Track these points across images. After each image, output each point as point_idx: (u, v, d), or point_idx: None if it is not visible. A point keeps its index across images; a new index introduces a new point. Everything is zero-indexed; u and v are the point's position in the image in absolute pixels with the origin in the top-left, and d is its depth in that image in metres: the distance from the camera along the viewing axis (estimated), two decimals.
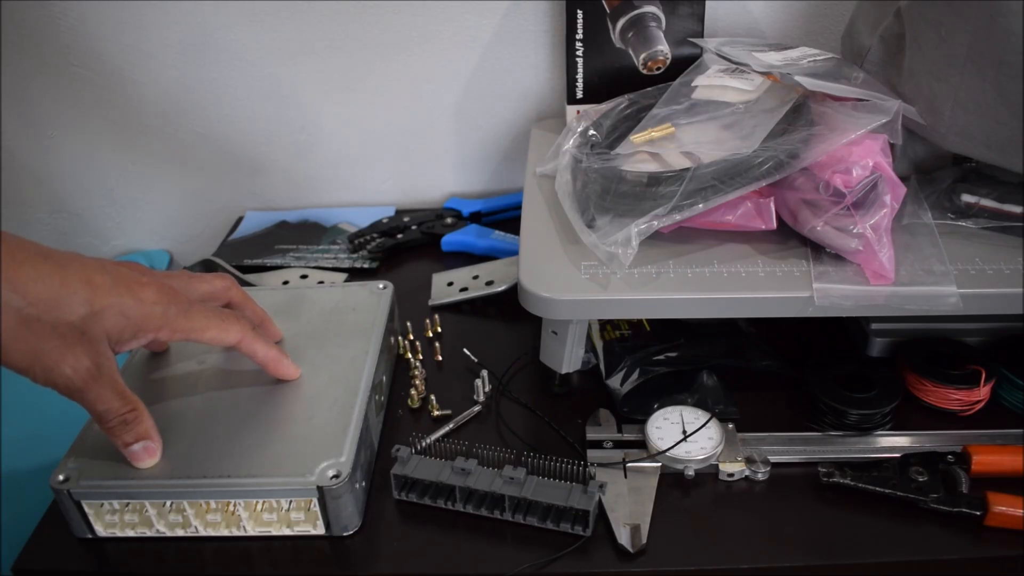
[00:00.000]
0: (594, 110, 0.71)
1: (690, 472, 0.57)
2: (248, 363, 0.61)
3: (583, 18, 0.77)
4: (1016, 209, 0.59)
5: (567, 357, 0.62)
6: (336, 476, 0.51)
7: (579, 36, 0.78)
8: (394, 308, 0.70)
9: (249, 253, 0.89)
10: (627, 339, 0.66)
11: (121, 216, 1.00)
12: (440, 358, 0.71)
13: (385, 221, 0.90)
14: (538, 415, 0.64)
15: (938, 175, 0.63)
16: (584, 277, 0.57)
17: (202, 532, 0.54)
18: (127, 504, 0.53)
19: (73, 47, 0.88)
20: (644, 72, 0.80)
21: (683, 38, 0.78)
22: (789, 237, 0.59)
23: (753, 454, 0.57)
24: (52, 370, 0.47)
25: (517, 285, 0.58)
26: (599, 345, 0.66)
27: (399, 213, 0.93)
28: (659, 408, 0.60)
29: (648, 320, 0.68)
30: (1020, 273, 0.55)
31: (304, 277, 0.84)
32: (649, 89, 0.72)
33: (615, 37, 0.78)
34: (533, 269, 0.58)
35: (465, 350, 0.70)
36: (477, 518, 0.55)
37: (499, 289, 0.78)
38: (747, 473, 0.57)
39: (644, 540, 0.52)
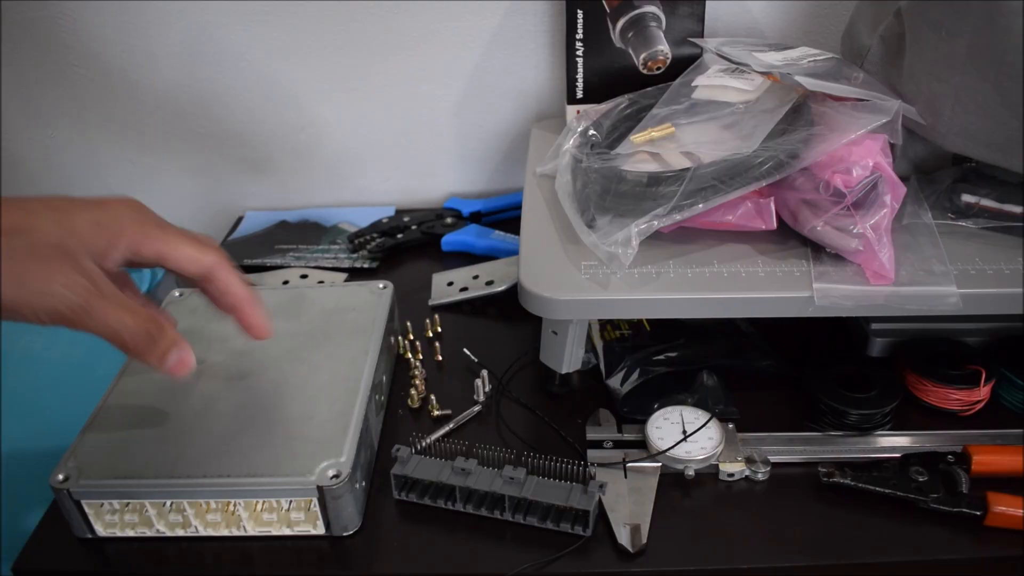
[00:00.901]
0: (594, 110, 0.71)
1: (690, 472, 0.57)
2: (248, 363, 0.61)
3: (583, 18, 0.77)
4: (1016, 209, 0.59)
5: (567, 357, 0.62)
6: (336, 476, 0.51)
7: (579, 36, 0.78)
8: (394, 308, 0.70)
9: (249, 253, 0.89)
10: (627, 339, 0.66)
11: None
12: (440, 358, 0.71)
13: (385, 221, 0.90)
14: (538, 415, 0.64)
15: (938, 175, 0.63)
16: (584, 277, 0.57)
17: (202, 532, 0.54)
18: (127, 504, 0.53)
19: (73, 47, 0.88)
20: (644, 72, 0.80)
21: (683, 38, 0.78)
22: (789, 237, 0.59)
23: (753, 454, 0.57)
24: (44, 292, 0.43)
25: (517, 285, 0.58)
26: (599, 345, 0.66)
27: (399, 213, 0.93)
28: (659, 408, 0.60)
29: (648, 320, 0.68)
30: (1020, 273, 0.55)
31: (304, 277, 0.84)
32: (649, 89, 0.72)
33: (615, 37, 0.78)
34: (533, 269, 0.58)
35: (465, 350, 0.70)
36: (477, 518, 0.55)
37: (499, 289, 0.78)
38: (747, 473, 0.57)
39: (644, 540, 0.52)
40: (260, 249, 0.90)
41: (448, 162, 0.97)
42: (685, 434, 0.58)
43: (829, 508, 0.54)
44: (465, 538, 0.54)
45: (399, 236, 0.88)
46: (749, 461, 0.57)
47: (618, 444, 0.59)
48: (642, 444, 0.58)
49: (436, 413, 0.64)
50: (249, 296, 0.52)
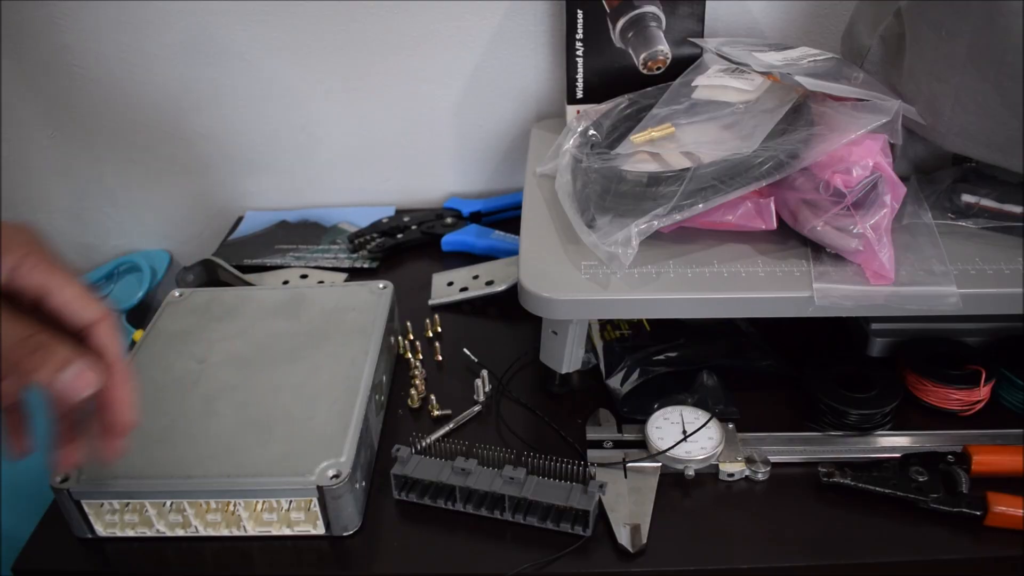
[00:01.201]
0: (594, 110, 0.71)
1: (690, 472, 0.57)
2: (248, 363, 0.61)
3: (583, 18, 0.77)
4: (1016, 209, 0.59)
5: (567, 357, 0.62)
6: (336, 476, 0.51)
7: (579, 36, 0.78)
8: (394, 308, 0.70)
9: (249, 253, 0.89)
10: (627, 339, 0.66)
11: (121, 216, 1.00)
12: (440, 358, 0.71)
13: (385, 221, 0.90)
14: (538, 415, 0.64)
15: (938, 175, 0.63)
16: (584, 277, 0.57)
17: (202, 532, 0.54)
18: (127, 504, 0.53)
19: (73, 47, 0.88)
20: (644, 72, 0.80)
21: (683, 38, 0.78)
22: (789, 237, 0.59)
23: (753, 454, 0.57)
24: None
25: (517, 285, 0.58)
26: (599, 345, 0.66)
27: (399, 213, 0.93)
28: (659, 408, 0.60)
29: (648, 320, 0.68)
30: (1020, 273, 0.55)
31: (304, 277, 0.84)
32: (649, 89, 0.72)
33: (615, 37, 0.78)
34: (533, 269, 0.58)
35: (465, 350, 0.70)
36: (477, 518, 0.55)
37: (499, 289, 0.78)
38: (747, 473, 0.57)
39: (644, 540, 0.52)
40: (260, 249, 0.90)
41: (448, 162, 0.97)
42: (685, 434, 0.58)
43: (829, 508, 0.54)
44: (465, 538, 0.54)
45: (399, 236, 0.88)
46: (749, 461, 0.57)
47: (618, 444, 0.59)
48: (642, 444, 0.58)
49: (436, 413, 0.64)
50: (127, 369, 0.45)
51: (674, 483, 0.57)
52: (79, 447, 0.46)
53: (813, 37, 0.87)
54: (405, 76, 0.90)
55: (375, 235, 0.88)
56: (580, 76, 0.80)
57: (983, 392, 0.60)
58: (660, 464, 0.57)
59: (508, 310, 0.77)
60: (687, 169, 0.56)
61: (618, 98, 0.71)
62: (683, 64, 0.73)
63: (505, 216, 0.92)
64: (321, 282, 0.82)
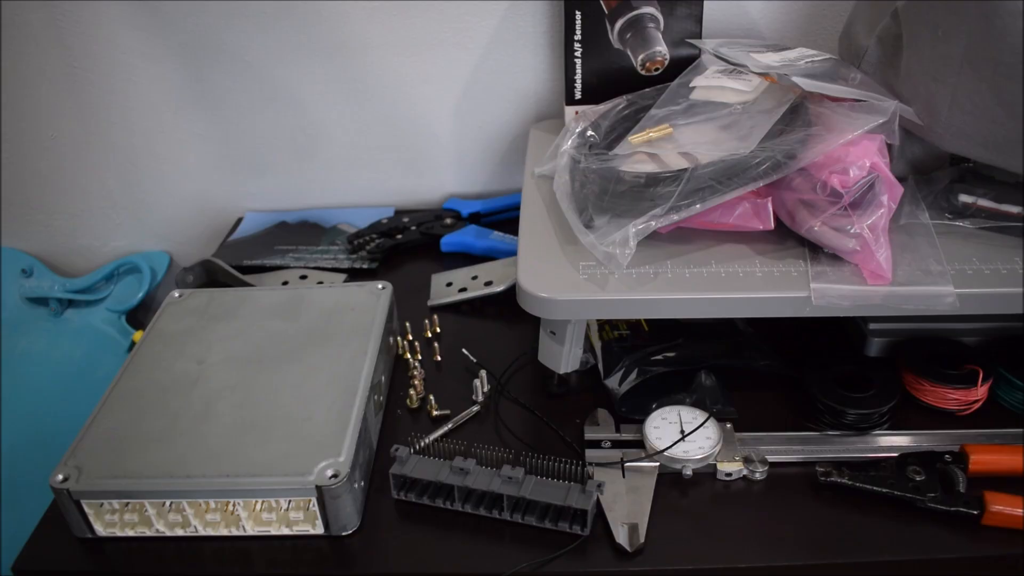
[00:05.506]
0: (592, 111, 0.71)
1: (688, 472, 0.57)
2: (248, 364, 0.61)
3: (581, 19, 0.77)
4: (1013, 209, 0.59)
5: (565, 357, 0.62)
6: (335, 476, 0.51)
7: (577, 37, 0.78)
8: (393, 308, 0.71)
9: (249, 254, 0.89)
10: (625, 339, 0.66)
11: (121, 217, 1.01)
12: (439, 358, 0.71)
13: (384, 222, 0.90)
14: (536, 415, 0.64)
15: (935, 175, 0.63)
16: (582, 277, 0.57)
17: (201, 532, 0.54)
18: (127, 504, 0.53)
19: (73, 47, 0.88)
20: (642, 73, 0.80)
21: (681, 39, 0.78)
22: (787, 237, 0.59)
23: (751, 454, 0.57)
24: None
25: (516, 285, 0.58)
26: (597, 345, 0.66)
27: (398, 214, 0.93)
28: (657, 408, 0.60)
29: (646, 320, 0.68)
30: (1017, 273, 0.55)
31: (303, 278, 0.84)
32: (647, 90, 0.72)
33: (613, 38, 0.78)
34: (531, 269, 0.58)
35: (464, 350, 0.70)
36: (476, 517, 0.55)
37: (498, 289, 0.78)
38: (745, 473, 0.57)
39: (642, 539, 0.52)
40: (260, 250, 0.90)
41: (447, 163, 0.97)
42: (683, 434, 0.58)
43: (826, 508, 0.54)
44: (464, 537, 0.54)
45: (398, 237, 0.89)
46: (747, 461, 0.57)
47: (616, 444, 0.59)
48: (640, 444, 0.59)
49: (435, 413, 0.64)
50: None
51: (672, 483, 0.57)
52: None
53: (811, 38, 0.87)
54: (404, 77, 0.90)
55: (374, 236, 0.88)
56: (578, 77, 0.80)
57: (980, 392, 0.60)
58: (658, 464, 0.57)
59: (507, 310, 0.77)
60: (685, 170, 0.57)
61: (616, 99, 0.71)
62: (681, 65, 0.73)
63: (504, 217, 0.92)
64: (320, 283, 0.83)
